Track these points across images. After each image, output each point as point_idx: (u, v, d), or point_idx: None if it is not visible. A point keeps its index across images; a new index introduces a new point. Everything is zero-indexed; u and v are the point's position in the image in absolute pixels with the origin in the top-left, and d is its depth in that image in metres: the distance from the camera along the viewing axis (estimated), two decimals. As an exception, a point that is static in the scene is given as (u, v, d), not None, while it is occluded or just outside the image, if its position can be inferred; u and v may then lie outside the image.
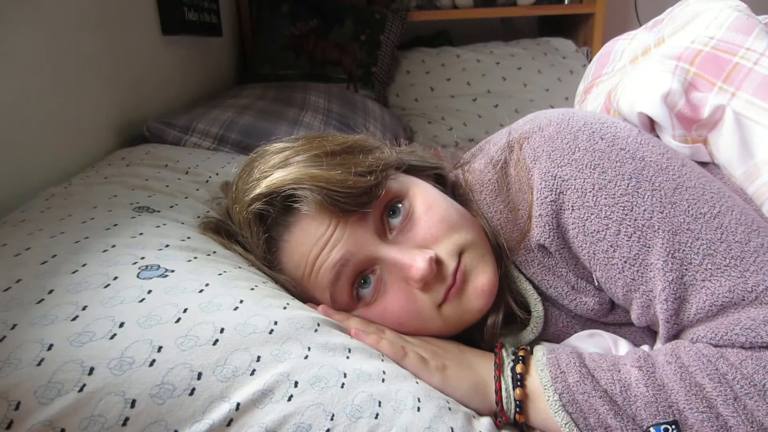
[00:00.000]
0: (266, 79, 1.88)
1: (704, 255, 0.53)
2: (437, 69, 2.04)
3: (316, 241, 0.57)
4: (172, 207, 0.70)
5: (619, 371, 0.53)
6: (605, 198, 0.56)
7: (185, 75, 1.51)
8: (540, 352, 0.58)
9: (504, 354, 0.60)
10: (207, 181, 0.84)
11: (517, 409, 0.56)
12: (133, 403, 0.40)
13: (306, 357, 0.49)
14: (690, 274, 0.53)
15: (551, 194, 0.58)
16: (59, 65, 0.92)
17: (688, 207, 0.54)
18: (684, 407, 0.50)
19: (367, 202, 0.57)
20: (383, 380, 0.51)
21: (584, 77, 0.92)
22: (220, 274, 0.55)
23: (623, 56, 0.83)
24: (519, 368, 0.57)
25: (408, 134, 1.85)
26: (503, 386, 0.57)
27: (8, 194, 0.75)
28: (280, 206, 0.58)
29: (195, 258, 0.57)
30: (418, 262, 0.57)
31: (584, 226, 0.57)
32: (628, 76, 0.73)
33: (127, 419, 0.40)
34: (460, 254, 0.60)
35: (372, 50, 1.94)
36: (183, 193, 0.76)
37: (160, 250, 0.56)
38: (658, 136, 0.68)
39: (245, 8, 2.08)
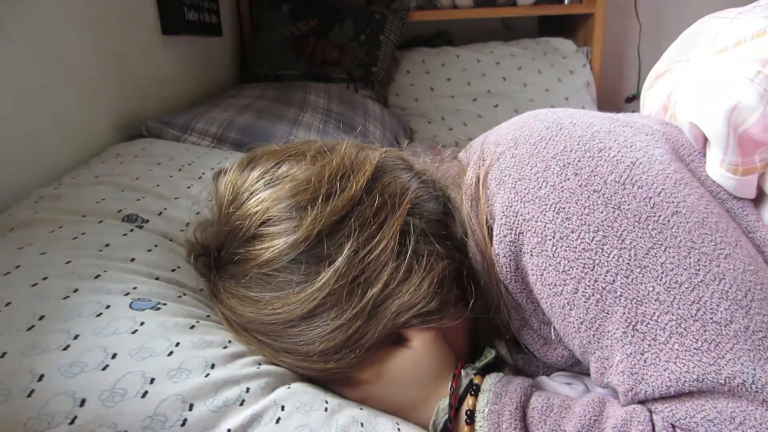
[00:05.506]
0: (266, 79, 1.88)
1: (671, 333, 0.44)
2: (437, 69, 2.03)
3: None
4: (160, 214, 0.70)
5: None
6: (565, 250, 0.48)
7: (185, 75, 1.51)
8: (484, 399, 0.52)
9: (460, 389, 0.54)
10: (200, 178, 0.83)
11: None
12: (124, 436, 0.40)
13: (289, 387, 0.52)
14: (653, 351, 0.45)
15: (510, 233, 0.52)
16: (59, 65, 0.92)
17: (662, 273, 0.45)
18: None
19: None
20: (361, 408, 0.53)
21: (661, 59, 0.75)
22: (208, 316, 0.57)
23: (715, 42, 0.64)
24: (469, 403, 0.52)
25: (408, 134, 1.85)
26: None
27: (8, 196, 0.75)
28: None
29: (184, 294, 0.58)
30: None
31: (542, 275, 0.50)
32: (697, 74, 0.60)
33: (118, 452, 0.40)
34: None
35: (372, 50, 1.92)
36: (174, 192, 0.76)
37: (154, 280, 0.57)
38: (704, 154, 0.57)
39: (245, 8, 2.07)
